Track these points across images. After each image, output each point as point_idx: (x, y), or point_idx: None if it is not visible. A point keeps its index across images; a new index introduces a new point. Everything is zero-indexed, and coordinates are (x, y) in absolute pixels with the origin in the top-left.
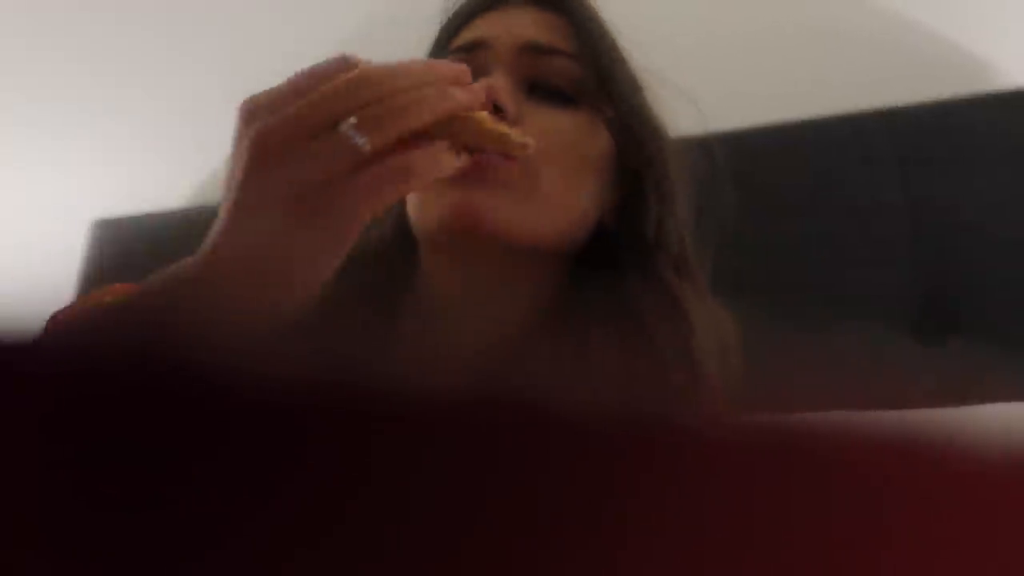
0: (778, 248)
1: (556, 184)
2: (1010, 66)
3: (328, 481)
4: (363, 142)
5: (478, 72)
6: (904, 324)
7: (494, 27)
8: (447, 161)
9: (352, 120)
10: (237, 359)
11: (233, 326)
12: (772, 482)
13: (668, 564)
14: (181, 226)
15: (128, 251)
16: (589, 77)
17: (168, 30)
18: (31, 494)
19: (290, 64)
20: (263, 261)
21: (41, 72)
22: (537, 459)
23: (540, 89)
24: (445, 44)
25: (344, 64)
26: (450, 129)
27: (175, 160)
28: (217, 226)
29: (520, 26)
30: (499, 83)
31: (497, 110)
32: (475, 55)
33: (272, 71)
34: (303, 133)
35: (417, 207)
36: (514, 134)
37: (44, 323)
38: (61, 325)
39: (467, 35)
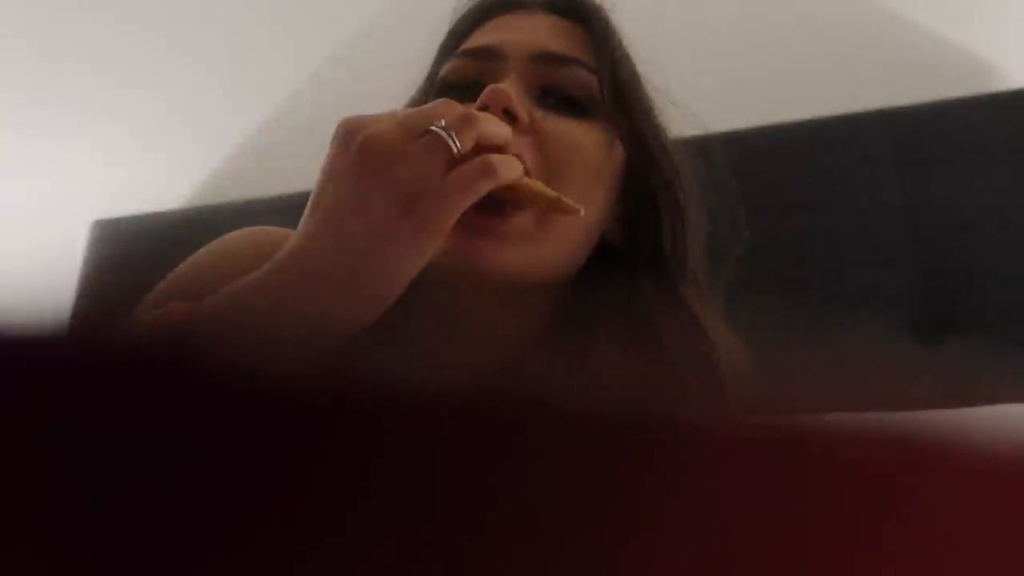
0: (778, 248)
1: (568, 221)
2: (1010, 66)
3: (338, 481)
4: (454, 141)
5: (489, 78)
6: (904, 324)
7: (507, 33)
8: (517, 167)
9: (442, 122)
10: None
11: (311, 328)
12: (777, 481)
13: (675, 562)
14: (181, 226)
15: (128, 251)
16: (604, 89)
17: (168, 30)
18: (36, 494)
19: (290, 64)
20: (363, 255)
21: (41, 72)
22: (547, 458)
23: (552, 97)
24: (454, 47)
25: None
26: (502, 190)
27: (175, 160)
28: (306, 231)
29: (534, 33)
30: (510, 88)
31: (507, 116)
32: (487, 61)
33: (271, 71)
34: (406, 136)
35: None
36: (568, 199)
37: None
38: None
39: (480, 39)
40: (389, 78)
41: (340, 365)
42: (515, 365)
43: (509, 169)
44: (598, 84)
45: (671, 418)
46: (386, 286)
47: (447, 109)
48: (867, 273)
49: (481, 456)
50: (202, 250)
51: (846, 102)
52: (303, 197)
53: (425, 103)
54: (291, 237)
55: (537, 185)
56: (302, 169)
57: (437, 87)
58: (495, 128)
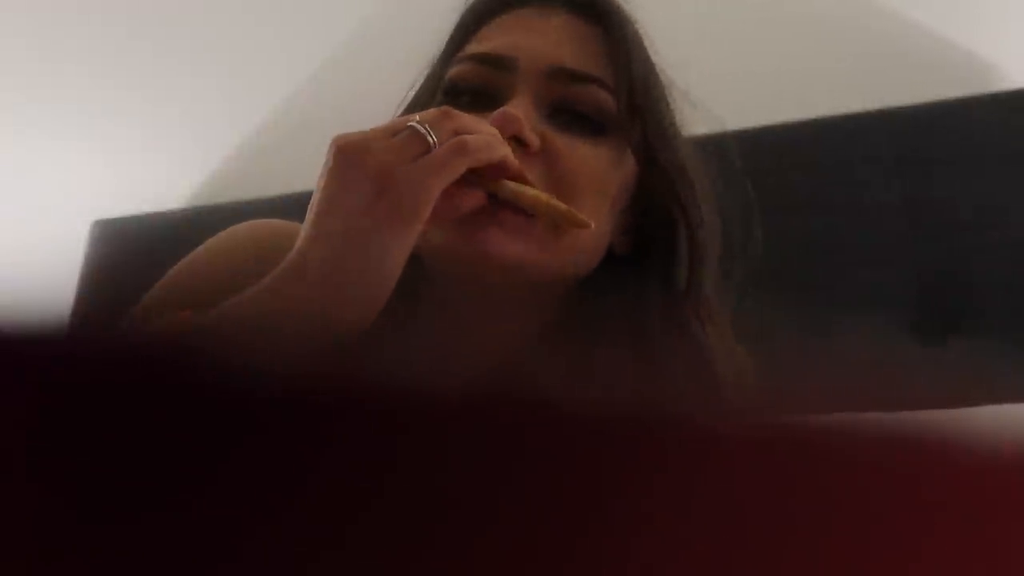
0: (778, 248)
1: (579, 232)
2: (1010, 66)
3: (340, 481)
4: (430, 134)
5: (500, 89)
6: (904, 324)
7: (522, 37)
8: (499, 148)
9: (417, 118)
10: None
11: (312, 333)
12: (779, 482)
13: (677, 561)
14: (181, 226)
15: (128, 251)
16: (620, 107)
17: (168, 30)
18: (36, 494)
19: (289, 66)
20: (343, 248)
21: (41, 72)
22: (548, 457)
23: (565, 114)
24: (462, 42)
25: None
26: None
27: (175, 160)
28: (300, 239)
29: (550, 43)
30: (521, 113)
31: (518, 141)
32: (499, 71)
33: (271, 72)
34: (382, 133)
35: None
36: (580, 213)
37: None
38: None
39: (493, 40)
40: (387, 79)
41: (343, 365)
42: (516, 364)
43: (488, 149)
44: (614, 102)
45: (673, 418)
46: (374, 277)
47: (434, 111)
48: (868, 273)
49: (483, 456)
50: (199, 248)
51: (846, 102)
52: (303, 197)
53: (430, 102)
54: (293, 228)
55: (548, 197)
56: (301, 169)
57: (445, 87)
58: (473, 123)
